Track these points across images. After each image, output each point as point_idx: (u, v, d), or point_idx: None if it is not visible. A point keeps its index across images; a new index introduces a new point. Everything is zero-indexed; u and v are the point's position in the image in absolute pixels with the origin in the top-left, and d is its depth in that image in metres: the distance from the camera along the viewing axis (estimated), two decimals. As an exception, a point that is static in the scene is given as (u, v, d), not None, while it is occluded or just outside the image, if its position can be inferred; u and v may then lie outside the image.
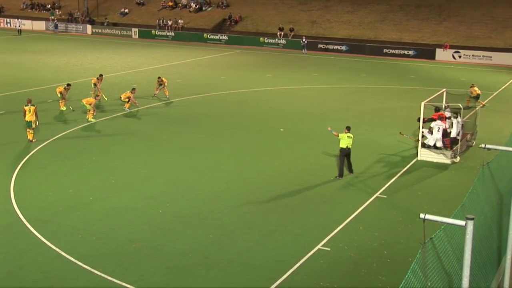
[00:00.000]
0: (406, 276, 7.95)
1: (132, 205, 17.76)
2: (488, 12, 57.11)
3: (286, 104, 32.44)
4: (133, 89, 30.42)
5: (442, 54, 52.45)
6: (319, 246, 15.19)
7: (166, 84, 33.03)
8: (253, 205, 17.96)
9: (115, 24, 69.04)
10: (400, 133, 24.29)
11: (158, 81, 33.27)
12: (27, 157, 22.23)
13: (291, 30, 59.92)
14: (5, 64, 44.46)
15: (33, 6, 76.56)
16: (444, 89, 25.46)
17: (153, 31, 64.73)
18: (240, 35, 61.31)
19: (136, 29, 65.42)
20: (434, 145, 22.51)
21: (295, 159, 22.74)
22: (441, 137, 22.40)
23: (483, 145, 11.61)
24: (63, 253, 14.53)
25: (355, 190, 19.59)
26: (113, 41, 62.12)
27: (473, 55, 51.41)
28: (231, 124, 27.95)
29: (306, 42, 55.40)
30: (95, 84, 31.58)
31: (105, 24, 68.51)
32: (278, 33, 59.94)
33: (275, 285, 13.33)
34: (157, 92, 33.03)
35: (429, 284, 8.61)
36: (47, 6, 75.93)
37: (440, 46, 52.95)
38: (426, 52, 52.83)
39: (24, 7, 76.99)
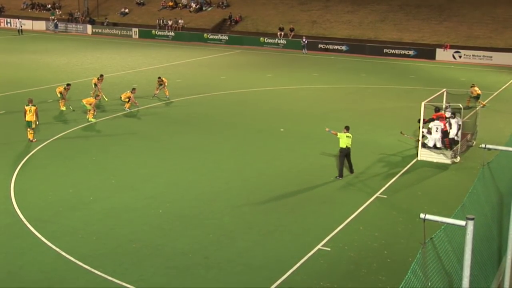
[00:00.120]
0: (406, 276, 7.95)
1: (132, 205, 17.75)
2: (488, 12, 57.10)
3: (286, 104, 32.44)
4: (133, 89, 30.42)
5: (443, 54, 52.45)
6: (319, 246, 15.19)
7: (166, 84, 33.04)
8: (253, 205, 17.95)
9: (115, 24, 69.05)
10: (401, 132, 24.29)
11: (158, 81, 33.27)
12: (27, 157, 22.23)
13: (291, 30, 59.91)
14: (5, 64, 44.46)
15: (33, 6, 76.57)
16: (444, 89, 25.46)
17: (153, 31, 64.73)
18: (240, 35, 61.31)
19: (136, 29, 65.43)
20: (434, 145, 22.51)
21: (295, 159, 22.73)
22: (440, 137, 22.40)
23: (483, 145, 11.60)
24: (63, 253, 14.53)
25: (355, 190, 19.59)
26: (113, 41, 62.12)
27: (473, 55, 51.40)
28: (231, 124, 27.95)
29: (306, 42, 55.39)
30: (95, 84, 31.59)
31: (105, 24, 68.52)
32: (278, 33, 59.94)
33: (275, 285, 13.33)
34: (157, 92, 33.03)
35: (429, 284, 8.60)
36: (47, 6, 75.93)
37: (440, 46, 52.95)
38: (426, 52, 52.82)
39: (25, 7, 76.99)
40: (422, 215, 8.23)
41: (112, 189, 19.12)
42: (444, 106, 24.45)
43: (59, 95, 29.67)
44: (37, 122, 24.31)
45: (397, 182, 20.40)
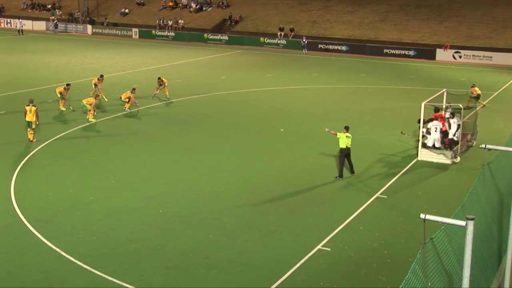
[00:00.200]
0: (407, 276, 7.95)
1: (132, 205, 17.75)
2: (488, 12, 57.11)
3: (286, 104, 32.44)
4: (133, 89, 30.42)
5: (443, 54, 52.44)
6: (319, 246, 15.18)
7: (166, 84, 33.03)
8: (253, 205, 17.95)
9: (115, 24, 69.05)
10: (401, 132, 24.29)
11: (158, 82, 33.27)
12: (28, 157, 22.22)
13: (291, 30, 59.91)
14: (5, 64, 44.47)
15: (33, 6, 76.57)
16: (444, 89, 25.45)
17: (153, 31, 64.73)
18: (240, 35, 61.31)
19: (137, 29, 65.43)
20: (433, 145, 22.51)
21: (295, 159, 22.73)
22: (439, 137, 22.40)
23: (483, 145, 11.60)
24: (63, 253, 14.53)
25: (355, 190, 19.58)
26: (113, 41, 62.13)
27: (473, 55, 51.40)
28: (231, 124, 27.95)
29: (306, 42, 55.39)
30: (95, 85, 31.58)
31: (105, 24, 68.52)
32: (279, 33, 59.94)
33: (275, 285, 13.32)
34: (157, 92, 33.03)
35: (429, 284, 8.60)
36: (47, 6, 75.94)
37: (440, 46, 52.95)
38: (426, 52, 52.82)
39: (25, 7, 77.00)
40: (422, 215, 8.23)
41: (112, 189, 19.12)
42: (444, 106, 24.45)
43: (59, 95, 29.67)
44: (37, 123, 24.31)
45: (397, 182, 20.40)
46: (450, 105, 24.54)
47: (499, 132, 26.91)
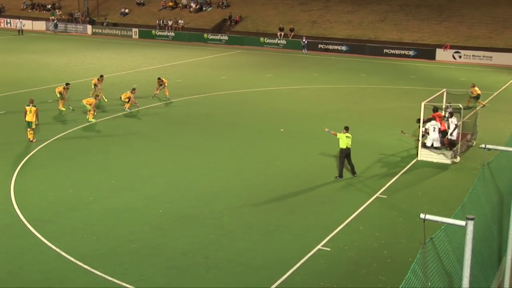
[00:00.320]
0: (407, 276, 7.95)
1: (132, 205, 17.75)
2: (488, 12, 57.10)
3: (286, 104, 32.44)
4: (133, 89, 30.42)
5: (442, 54, 52.44)
6: (319, 246, 15.19)
7: (166, 84, 33.03)
8: (253, 205, 17.95)
9: (115, 24, 69.06)
10: (402, 131, 24.30)
11: (158, 82, 33.27)
12: (28, 157, 22.23)
13: (291, 30, 59.91)
14: (5, 64, 44.47)
15: (33, 6, 76.57)
16: (444, 89, 25.46)
17: (153, 31, 64.73)
18: (240, 35, 61.31)
19: (136, 29, 65.43)
20: (432, 145, 22.51)
21: (295, 159, 22.73)
22: (438, 137, 22.40)
23: (483, 145, 11.60)
24: (63, 253, 14.53)
25: (355, 190, 19.58)
26: (113, 41, 62.13)
27: (473, 55, 51.40)
28: (231, 124, 27.95)
29: (306, 42, 55.39)
30: (95, 85, 31.58)
31: (105, 24, 68.51)
32: (278, 33, 59.94)
33: (275, 285, 13.32)
34: (157, 92, 33.03)
35: (429, 284, 8.60)
36: (47, 6, 75.94)
37: (440, 46, 52.94)
38: (426, 52, 52.82)
39: (25, 7, 76.99)
40: (422, 215, 8.23)
41: (112, 189, 19.12)
42: (444, 106, 24.45)
43: (58, 95, 29.67)
44: (37, 123, 24.30)
45: (397, 182, 20.40)
46: (450, 105, 24.54)
47: (499, 132, 26.91)
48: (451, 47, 52.57)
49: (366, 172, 21.19)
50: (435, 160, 22.49)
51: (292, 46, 57.49)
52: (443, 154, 22.46)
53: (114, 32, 66.76)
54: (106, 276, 13.49)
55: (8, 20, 72.15)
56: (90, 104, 27.69)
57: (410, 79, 41.94)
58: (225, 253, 14.80)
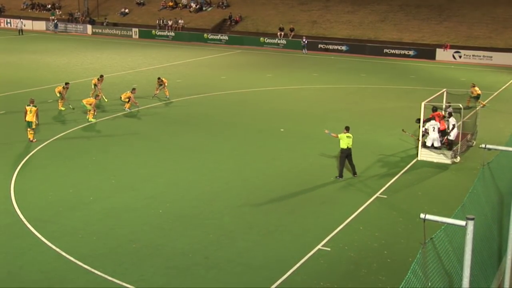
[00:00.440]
0: (407, 276, 7.95)
1: (132, 205, 17.75)
2: (488, 12, 57.10)
3: (286, 104, 32.43)
4: (133, 89, 30.42)
5: (443, 54, 52.44)
6: (319, 246, 15.18)
7: (166, 84, 33.03)
8: (253, 205, 17.95)
9: (115, 24, 69.06)
10: (403, 130, 24.31)
11: (158, 82, 33.26)
12: (28, 157, 22.22)
13: (291, 30, 59.91)
14: (5, 64, 44.47)
15: (33, 6, 76.57)
16: (444, 89, 25.46)
17: (153, 31, 64.73)
18: (240, 35, 61.31)
19: (136, 29, 65.43)
20: (432, 145, 22.51)
21: (295, 159, 22.73)
22: (438, 137, 22.39)
23: (483, 145, 11.60)
24: (63, 253, 14.53)
25: (355, 190, 19.58)
26: (113, 41, 62.13)
27: (473, 55, 51.40)
28: (231, 124, 27.95)
29: (306, 42, 55.39)
30: (95, 85, 31.58)
31: (105, 24, 68.51)
32: (278, 33, 59.94)
33: (275, 285, 13.32)
34: (157, 92, 33.03)
35: (429, 284, 8.60)
36: (47, 6, 75.94)
37: (440, 46, 52.94)
38: (427, 52, 52.81)
39: (25, 7, 77.00)
40: (422, 215, 8.23)
41: (112, 189, 19.12)
42: (444, 106, 24.44)
43: (58, 94, 29.67)
44: (37, 123, 24.29)
45: (397, 182, 20.40)
46: (450, 105, 24.53)
47: (499, 132, 26.91)
48: (451, 47, 52.56)
49: (366, 172, 21.19)
50: (435, 160, 22.49)
51: (292, 46, 57.48)
52: (443, 154, 22.46)
53: (114, 32, 66.76)
54: (106, 276, 13.49)
55: (8, 20, 72.15)
56: (90, 104, 27.69)
57: (410, 79, 41.94)
58: (225, 253, 14.80)
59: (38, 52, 51.47)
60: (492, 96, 35.47)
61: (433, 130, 22.37)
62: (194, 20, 66.72)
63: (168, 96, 32.94)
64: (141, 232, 15.93)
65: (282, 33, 59.75)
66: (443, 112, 23.64)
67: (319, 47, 56.38)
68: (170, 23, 65.78)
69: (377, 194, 19.07)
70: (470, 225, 8.07)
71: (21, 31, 65.38)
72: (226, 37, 61.26)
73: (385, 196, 18.95)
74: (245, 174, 20.91)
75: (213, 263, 14.24)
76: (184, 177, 20.40)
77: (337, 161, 21.38)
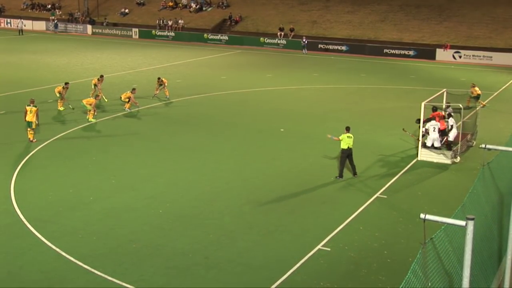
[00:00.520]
0: (407, 276, 7.95)
1: (132, 205, 17.75)
2: (488, 12, 57.10)
3: (286, 104, 32.44)
4: (133, 89, 30.42)
5: (443, 54, 52.44)
6: (319, 246, 15.18)
7: (166, 84, 33.03)
8: (253, 205, 17.95)
9: (115, 24, 69.06)
10: (403, 129, 24.32)
11: (158, 82, 33.26)
12: (28, 157, 22.23)
13: (291, 30, 59.91)
14: (5, 64, 44.47)
15: (33, 6, 76.57)
16: (444, 89, 25.46)
17: (153, 31, 64.73)
18: (240, 35, 61.31)
19: (137, 29, 65.43)
20: (432, 145, 22.50)
21: (295, 159, 22.73)
22: (438, 137, 22.39)
23: (483, 145, 11.60)
24: (63, 253, 14.53)
25: (355, 190, 19.58)
26: (113, 41, 62.13)
27: (473, 55, 51.39)
28: (231, 124, 27.95)
29: (306, 42, 55.39)
30: (95, 85, 31.58)
31: (105, 24, 68.51)
32: (278, 33, 59.94)
33: (275, 285, 13.32)
34: (157, 92, 33.03)
35: (429, 284, 8.60)
36: (47, 6, 75.94)
37: (440, 46, 52.94)
38: (427, 52, 52.81)
39: (25, 7, 77.00)
40: (422, 215, 8.23)
41: (112, 189, 19.12)
42: (444, 106, 24.43)
43: (58, 95, 29.67)
44: (37, 123, 24.29)
45: (397, 182, 20.40)
46: (449, 105, 24.52)
47: (499, 132, 26.90)
48: (451, 47, 52.56)
49: (366, 172, 21.19)
50: (435, 160, 22.49)
51: (292, 46, 57.48)
52: (443, 154, 22.46)
53: (114, 32, 66.76)
54: (106, 276, 13.49)
55: (8, 20, 72.15)
56: (90, 104, 27.69)
57: (410, 79, 41.94)
58: (225, 253, 14.80)
59: (38, 52, 51.47)
60: (492, 96, 35.47)
61: (434, 131, 22.37)
62: (194, 20, 66.73)
63: (168, 96, 32.93)
64: (141, 232, 15.93)
65: (282, 33, 59.75)
66: (443, 112, 23.64)
67: (319, 47, 56.38)
68: (170, 23, 65.78)
69: (377, 194, 19.07)
70: (470, 225, 8.07)
71: (21, 31, 65.40)
72: (226, 37, 61.26)
73: (385, 196, 18.96)
74: (245, 174, 20.91)
75: (213, 263, 14.24)
76: (184, 177, 20.40)
77: (338, 161, 21.37)
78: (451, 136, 22.70)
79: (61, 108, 29.63)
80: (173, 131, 26.46)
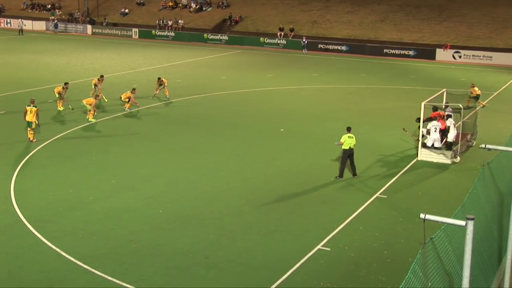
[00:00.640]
0: (407, 276, 7.95)
1: (132, 205, 17.75)
2: (488, 12, 57.11)
3: (286, 104, 32.44)
4: (133, 89, 30.42)
5: (443, 54, 52.44)
6: (319, 246, 15.18)
7: (166, 84, 33.03)
8: (253, 205, 17.95)
9: (115, 24, 69.06)
10: (403, 129, 24.32)
11: (158, 82, 33.27)
12: (28, 157, 22.23)
13: (291, 30, 59.91)
14: (5, 64, 44.47)
15: (33, 6, 76.57)
16: (444, 89, 25.46)
17: (153, 31, 64.74)
18: (240, 35, 61.31)
19: (136, 29, 65.43)
20: (433, 145, 22.51)
21: (295, 159, 22.73)
22: (439, 137, 22.39)
23: (483, 145, 11.60)
24: (63, 253, 14.53)
25: (355, 190, 19.58)
26: (113, 41, 62.13)
27: (473, 55, 51.40)
28: (231, 124, 27.95)
29: (306, 42, 55.39)
30: (95, 85, 31.58)
31: (104, 24, 68.51)
32: (278, 33, 59.94)
33: (275, 285, 13.32)
34: (157, 92, 33.03)
35: (429, 284, 8.60)
36: (47, 6, 75.94)
37: (440, 46, 52.95)
38: (426, 52, 52.82)
39: (25, 7, 77.00)
40: (422, 215, 8.23)
41: (112, 189, 19.12)
42: (443, 106, 24.43)
43: (57, 95, 29.66)
44: (37, 122, 24.28)
45: (397, 182, 20.40)
46: (447, 105, 24.49)
47: (499, 132, 26.91)
48: (451, 47, 52.57)
49: (366, 172, 21.19)
50: (435, 160, 22.49)
51: (292, 46, 57.49)
52: (443, 154, 22.46)
53: (114, 32, 66.76)
54: (106, 276, 13.49)
55: (8, 20, 72.15)
56: (90, 104, 27.69)
57: (410, 79, 41.95)
58: (225, 253, 14.80)
59: (38, 52, 51.47)
60: (492, 96, 35.47)
61: (435, 131, 22.36)
62: (194, 20, 66.73)
63: (168, 96, 32.93)
64: (141, 232, 15.93)
65: (282, 33, 59.76)
66: (443, 112, 23.63)
67: (319, 47, 56.39)
68: (170, 23, 65.78)
69: (377, 194, 19.07)
70: (470, 225, 8.07)
71: (21, 31, 65.41)
72: (226, 37, 61.26)
73: (385, 196, 18.96)
74: (245, 174, 20.91)
75: (213, 263, 14.25)
76: (184, 177, 20.40)
77: (338, 161, 21.36)
78: (450, 137, 22.69)
79: (61, 108, 29.63)
80: (173, 131, 26.46)
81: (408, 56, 53.18)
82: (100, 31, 67.68)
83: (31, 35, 65.94)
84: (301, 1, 65.58)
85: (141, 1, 72.49)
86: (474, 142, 24.74)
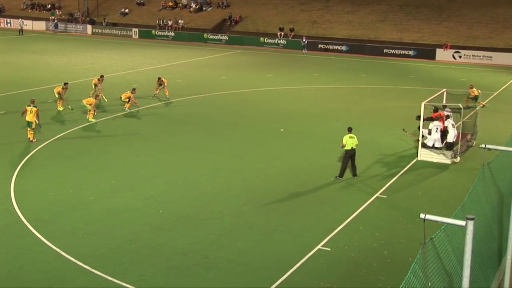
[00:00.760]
0: (407, 276, 7.95)
1: (132, 205, 17.75)
2: (488, 12, 57.11)
3: (286, 104, 32.44)
4: (133, 89, 30.42)
5: (443, 54, 52.45)
6: (319, 246, 15.18)
7: (166, 84, 33.03)
8: (253, 205, 17.95)
9: (115, 24, 69.06)
10: (403, 129, 24.32)
11: (158, 82, 33.27)
12: (28, 157, 22.23)
13: (291, 30, 59.92)
14: (5, 64, 44.47)
15: (33, 6, 76.58)
16: (444, 89, 25.46)
17: (153, 31, 64.74)
18: (240, 35, 61.32)
19: (136, 29, 65.44)
20: (433, 145, 22.51)
21: (295, 159, 22.73)
22: (439, 138, 22.40)
23: (483, 145, 11.60)
24: (63, 253, 14.53)
25: (355, 190, 19.58)
26: (113, 41, 62.13)
27: (473, 55, 51.41)
28: (231, 124, 27.95)
29: (306, 42, 55.40)
30: (95, 85, 31.59)
31: (104, 24, 68.51)
32: (278, 33, 59.95)
33: (275, 285, 13.32)
34: (157, 92, 33.03)
35: (429, 284, 8.60)
36: (47, 6, 75.94)
37: (440, 46, 52.95)
38: (426, 52, 52.82)
39: (24, 7, 77.00)
40: (422, 215, 8.23)
41: (112, 189, 19.12)
42: (442, 106, 24.42)
43: (57, 95, 29.66)
44: (37, 122, 24.29)
45: (397, 182, 20.40)
46: (446, 106, 24.48)
47: (499, 132, 26.91)
48: (451, 47, 52.57)
49: (366, 172, 21.19)
50: (435, 160, 22.49)
51: (292, 46, 57.49)
52: (443, 154, 22.47)
53: (114, 32, 66.77)
54: (106, 276, 13.49)
55: (8, 20, 72.15)
56: (90, 104, 27.69)
57: (410, 79, 41.95)
58: (225, 253, 14.80)
59: (38, 52, 51.47)
60: (492, 96, 35.47)
61: (436, 131, 22.36)
62: (194, 20, 66.73)
63: (168, 96, 32.94)
64: (141, 232, 15.93)
65: (282, 33, 59.76)
66: (444, 113, 23.63)
67: (319, 47, 56.39)
68: (170, 23, 65.79)
69: (377, 194, 19.07)
70: (470, 225, 8.07)
71: (21, 31, 65.41)
72: (226, 37, 61.26)
73: (385, 196, 18.96)
74: (245, 174, 20.91)
75: (213, 263, 14.25)
76: (184, 177, 20.40)
77: (338, 161, 21.35)
78: (449, 137, 22.70)
79: (61, 108, 29.63)
80: (173, 131, 26.46)
81: (408, 56, 53.19)
82: (100, 31, 67.69)
83: (31, 35, 65.94)
84: (301, 1, 65.59)
85: (141, 1, 72.49)
86: (474, 142, 24.75)
